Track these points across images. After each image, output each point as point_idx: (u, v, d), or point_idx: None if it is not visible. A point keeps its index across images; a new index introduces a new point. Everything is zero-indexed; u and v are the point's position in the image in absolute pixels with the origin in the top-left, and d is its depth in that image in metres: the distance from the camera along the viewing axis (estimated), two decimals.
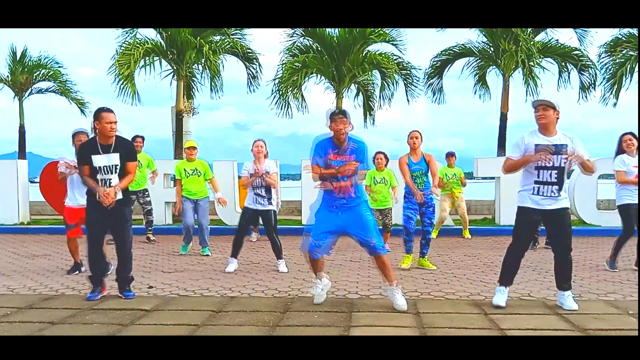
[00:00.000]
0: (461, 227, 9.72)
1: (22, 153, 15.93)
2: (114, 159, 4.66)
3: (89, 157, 4.64)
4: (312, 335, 3.68)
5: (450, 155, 9.34)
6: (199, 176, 7.63)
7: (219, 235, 9.33)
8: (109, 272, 5.30)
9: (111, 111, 4.70)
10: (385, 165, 8.00)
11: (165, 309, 4.46)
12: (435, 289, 5.33)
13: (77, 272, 6.13)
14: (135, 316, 4.22)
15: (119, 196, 4.71)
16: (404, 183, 6.62)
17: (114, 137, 4.68)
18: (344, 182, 4.34)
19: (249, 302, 4.70)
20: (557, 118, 4.35)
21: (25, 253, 7.89)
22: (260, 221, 6.69)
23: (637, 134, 6.19)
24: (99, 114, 4.64)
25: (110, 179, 4.67)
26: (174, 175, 8.28)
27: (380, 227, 8.18)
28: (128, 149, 4.80)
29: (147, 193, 8.87)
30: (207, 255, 7.48)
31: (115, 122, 4.65)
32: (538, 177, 4.36)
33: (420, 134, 6.48)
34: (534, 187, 4.37)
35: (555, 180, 4.33)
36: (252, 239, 8.85)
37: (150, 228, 8.99)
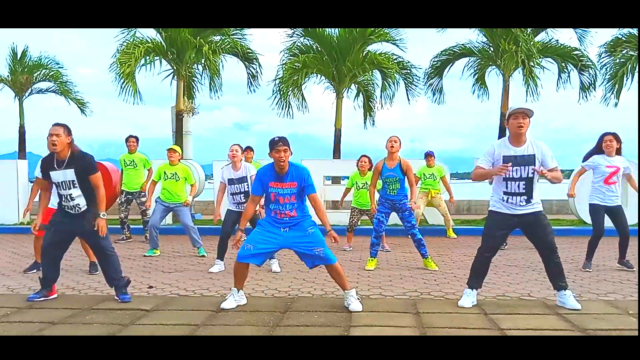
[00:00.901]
0: (465, 227, 9.73)
1: (22, 153, 15.95)
2: (68, 174, 4.57)
3: (47, 173, 4.63)
4: (312, 335, 3.68)
5: (429, 155, 9.42)
6: (177, 180, 7.56)
7: (219, 235, 9.32)
8: (97, 272, 5.22)
9: (59, 125, 4.53)
10: (369, 169, 7.96)
11: (165, 309, 4.46)
12: (435, 289, 5.33)
13: (35, 270, 6.13)
14: (135, 316, 4.22)
15: (62, 191, 4.61)
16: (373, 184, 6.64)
17: (69, 152, 4.55)
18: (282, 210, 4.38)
19: (249, 302, 4.70)
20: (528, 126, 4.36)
21: (25, 253, 7.88)
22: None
23: (637, 133, 6.19)
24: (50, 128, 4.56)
25: (71, 194, 4.60)
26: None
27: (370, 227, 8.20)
28: (82, 164, 4.59)
29: (143, 193, 8.84)
30: (204, 256, 7.43)
31: (58, 135, 4.46)
32: (506, 188, 4.38)
33: (399, 139, 6.44)
34: (502, 197, 4.43)
35: (524, 191, 4.34)
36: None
37: (146, 227, 8.96)
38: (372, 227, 8.21)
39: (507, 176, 4.32)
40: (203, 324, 3.99)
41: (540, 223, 4.40)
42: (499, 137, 13.47)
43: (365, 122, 14.98)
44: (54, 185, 4.71)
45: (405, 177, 6.40)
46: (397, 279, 5.83)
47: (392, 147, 6.37)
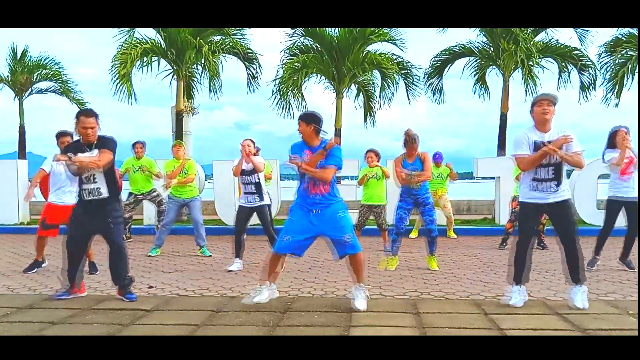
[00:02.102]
0: (466, 227, 9.72)
1: (22, 153, 15.96)
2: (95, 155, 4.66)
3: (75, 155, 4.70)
4: (312, 335, 3.68)
5: (437, 157, 9.41)
6: (186, 174, 7.63)
7: (219, 235, 9.34)
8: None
9: (90, 115, 4.64)
10: (378, 161, 8.01)
11: (165, 309, 4.46)
12: (435, 289, 5.33)
13: (35, 270, 6.15)
14: (135, 316, 4.22)
15: (100, 182, 4.68)
16: (397, 182, 6.62)
17: (96, 137, 4.67)
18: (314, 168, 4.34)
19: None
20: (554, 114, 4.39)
21: (25, 253, 7.88)
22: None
23: (637, 133, 6.17)
24: (77, 116, 4.64)
25: (94, 175, 4.68)
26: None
27: (377, 227, 8.21)
28: (104, 142, 4.71)
29: (152, 191, 8.89)
30: (209, 256, 7.45)
31: (93, 127, 4.59)
32: (536, 174, 4.43)
33: (417, 135, 6.41)
34: (531, 184, 4.47)
35: (553, 176, 4.39)
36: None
37: (161, 217, 8.79)
38: (375, 227, 8.23)
39: None
40: (203, 324, 3.99)
41: (567, 211, 4.48)
42: (499, 137, 13.48)
43: (365, 122, 14.99)
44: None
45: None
46: (397, 279, 5.83)
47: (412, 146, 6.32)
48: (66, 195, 5.95)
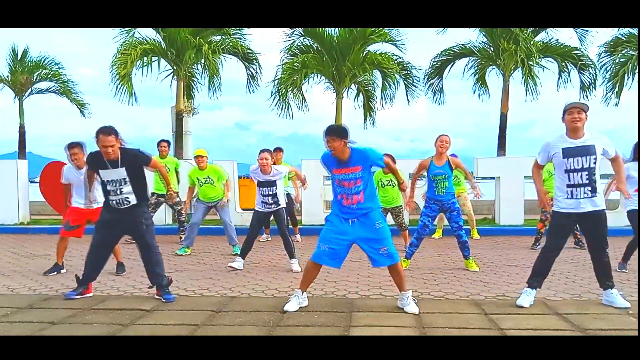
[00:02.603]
0: (468, 227, 9.68)
1: (22, 153, 15.95)
2: (121, 173, 4.67)
3: (96, 170, 4.74)
4: (312, 335, 3.68)
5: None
6: (212, 184, 7.62)
7: (220, 236, 9.32)
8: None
9: (109, 133, 4.55)
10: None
11: (165, 309, 4.47)
12: (435, 289, 5.33)
13: (55, 272, 6.13)
14: (135, 316, 4.22)
15: (110, 187, 4.70)
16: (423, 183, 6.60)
17: (119, 154, 4.65)
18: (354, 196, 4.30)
19: (249, 302, 4.70)
20: (586, 121, 4.39)
21: (25, 253, 7.89)
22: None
23: (637, 133, 6.15)
24: (97, 135, 4.57)
25: (121, 189, 4.69)
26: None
27: (396, 228, 8.18)
28: (133, 162, 4.71)
29: (175, 194, 8.85)
30: (237, 254, 7.36)
31: (112, 145, 4.54)
32: (569, 180, 4.41)
33: (449, 138, 6.37)
34: (567, 191, 4.43)
35: (587, 181, 4.36)
36: (260, 239, 8.83)
37: (182, 228, 8.86)
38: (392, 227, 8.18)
39: (569, 168, 4.37)
40: (203, 324, 3.99)
41: (600, 223, 4.44)
42: (499, 137, 13.48)
43: (365, 122, 14.98)
44: (97, 182, 4.90)
45: (453, 173, 6.35)
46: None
47: (442, 146, 6.30)
48: (93, 201, 5.92)
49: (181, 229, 8.93)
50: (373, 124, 14.97)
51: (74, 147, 5.81)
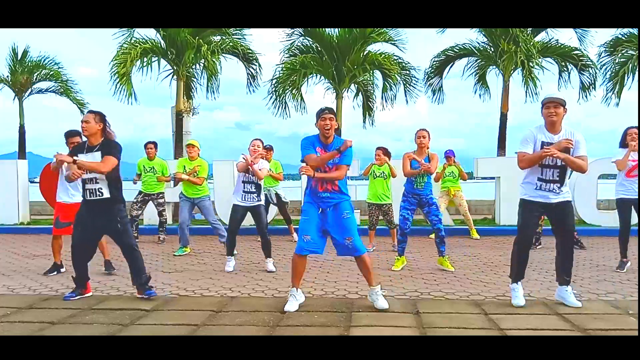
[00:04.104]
0: (467, 227, 9.69)
1: (22, 153, 15.92)
2: (97, 157, 4.69)
3: (75, 155, 4.75)
4: (312, 335, 3.68)
5: (448, 155, 9.39)
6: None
7: (216, 236, 9.30)
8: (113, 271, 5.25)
9: (93, 112, 4.76)
10: (388, 160, 8.01)
11: (165, 309, 4.47)
12: (435, 289, 5.33)
13: (55, 272, 6.12)
14: (135, 316, 4.22)
15: (86, 175, 4.71)
16: (403, 179, 6.61)
17: (102, 139, 4.74)
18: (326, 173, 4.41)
19: (249, 302, 4.70)
20: (564, 115, 4.39)
21: (25, 253, 7.89)
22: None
23: (638, 133, 6.17)
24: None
25: (96, 177, 4.71)
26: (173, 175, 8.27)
27: (386, 226, 8.21)
28: (108, 146, 4.76)
29: (161, 195, 8.94)
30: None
31: (88, 122, 4.67)
32: (541, 174, 4.43)
33: (427, 132, 6.43)
34: (536, 184, 4.46)
35: (557, 178, 4.41)
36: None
37: (161, 229, 9.06)
38: (385, 226, 8.21)
39: (543, 162, 4.38)
40: (203, 324, 3.99)
41: (568, 212, 4.50)
42: (499, 137, 13.46)
43: (364, 122, 14.96)
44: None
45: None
46: (397, 279, 5.83)
47: (420, 141, 6.36)
48: (76, 194, 5.93)
49: (160, 229, 9.03)
50: (372, 123, 14.95)
51: (73, 135, 5.81)
